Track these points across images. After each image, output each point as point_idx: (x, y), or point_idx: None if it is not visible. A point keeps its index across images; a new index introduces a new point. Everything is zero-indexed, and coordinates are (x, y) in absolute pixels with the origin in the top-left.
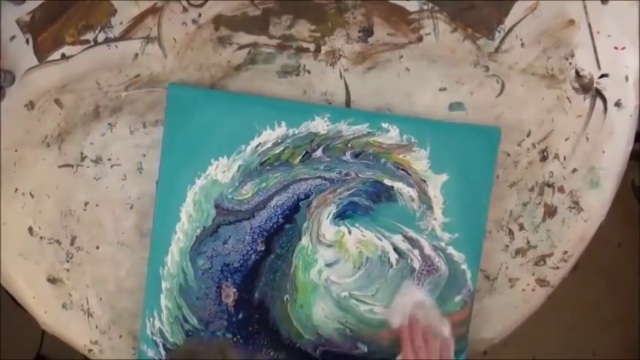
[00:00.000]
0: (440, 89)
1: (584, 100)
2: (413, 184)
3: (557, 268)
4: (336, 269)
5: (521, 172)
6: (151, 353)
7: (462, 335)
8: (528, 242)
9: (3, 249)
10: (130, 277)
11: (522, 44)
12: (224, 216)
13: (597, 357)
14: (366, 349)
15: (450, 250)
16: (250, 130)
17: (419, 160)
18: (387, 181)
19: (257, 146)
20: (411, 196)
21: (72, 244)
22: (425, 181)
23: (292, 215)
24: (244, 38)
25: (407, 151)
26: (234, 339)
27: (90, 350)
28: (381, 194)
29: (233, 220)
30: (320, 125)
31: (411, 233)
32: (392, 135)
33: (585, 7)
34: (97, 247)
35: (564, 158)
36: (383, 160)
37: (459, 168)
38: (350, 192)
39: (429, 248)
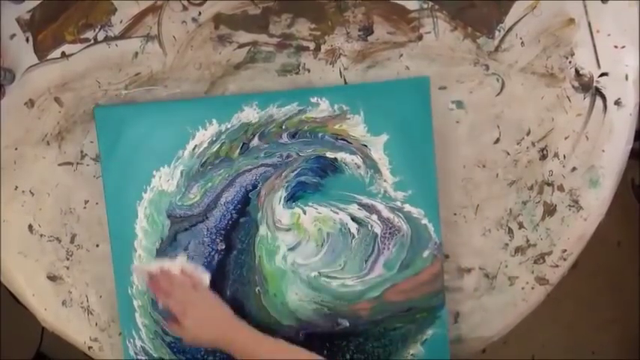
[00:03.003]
0: (440, 88)
1: (584, 98)
2: (355, 151)
3: (557, 266)
4: (299, 251)
5: (521, 171)
6: None
7: (438, 289)
8: (528, 241)
9: (3, 247)
10: None
11: (522, 43)
12: (179, 224)
13: (596, 356)
14: (347, 323)
15: (407, 207)
16: (184, 135)
17: (355, 127)
18: (329, 154)
19: (194, 149)
20: (356, 163)
21: (72, 242)
22: (366, 146)
23: (244, 208)
24: (244, 37)
25: (341, 120)
26: None
27: (89, 347)
28: (327, 168)
29: (188, 226)
30: (250, 114)
31: (365, 200)
32: (323, 108)
33: (585, 6)
34: (97, 245)
35: (564, 157)
36: (320, 134)
37: (397, 125)
38: (295, 173)
39: (386, 211)
